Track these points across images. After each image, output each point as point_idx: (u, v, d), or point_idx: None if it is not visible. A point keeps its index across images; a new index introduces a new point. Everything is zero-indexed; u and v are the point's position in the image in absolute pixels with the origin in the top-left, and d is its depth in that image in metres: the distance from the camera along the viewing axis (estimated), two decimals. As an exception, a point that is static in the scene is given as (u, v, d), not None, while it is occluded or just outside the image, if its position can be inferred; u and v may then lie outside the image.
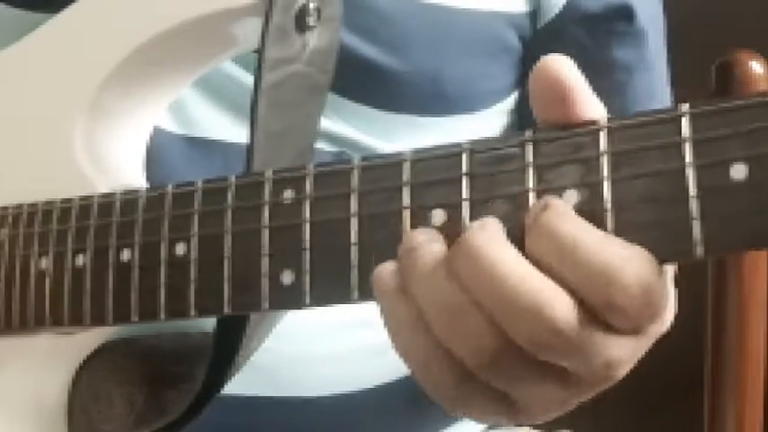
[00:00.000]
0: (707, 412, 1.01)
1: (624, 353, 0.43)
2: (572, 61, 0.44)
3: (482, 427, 0.83)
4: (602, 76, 0.77)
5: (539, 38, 0.76)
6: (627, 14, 0.77)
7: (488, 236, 0.43)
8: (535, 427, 0.85)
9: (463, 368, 0.44)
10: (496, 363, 0.43)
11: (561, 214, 0.42)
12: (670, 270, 0.45)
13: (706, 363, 1.01)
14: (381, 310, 0.46)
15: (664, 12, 0.83)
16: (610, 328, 0.42)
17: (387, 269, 0.45)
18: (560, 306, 0.41)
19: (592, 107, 0.43)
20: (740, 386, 1.01)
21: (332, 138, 0.72)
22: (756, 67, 0.97)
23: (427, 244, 0.44)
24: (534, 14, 0.75)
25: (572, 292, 0.41)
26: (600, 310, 0.41)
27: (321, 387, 0.71)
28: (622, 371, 0.44)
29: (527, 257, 0.42)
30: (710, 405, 1.01)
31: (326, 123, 0.70)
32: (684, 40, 0.85)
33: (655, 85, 0.81)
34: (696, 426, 1.02)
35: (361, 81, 0.71)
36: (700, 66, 0.84)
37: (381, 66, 0.71)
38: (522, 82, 0.78)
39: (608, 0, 0.76)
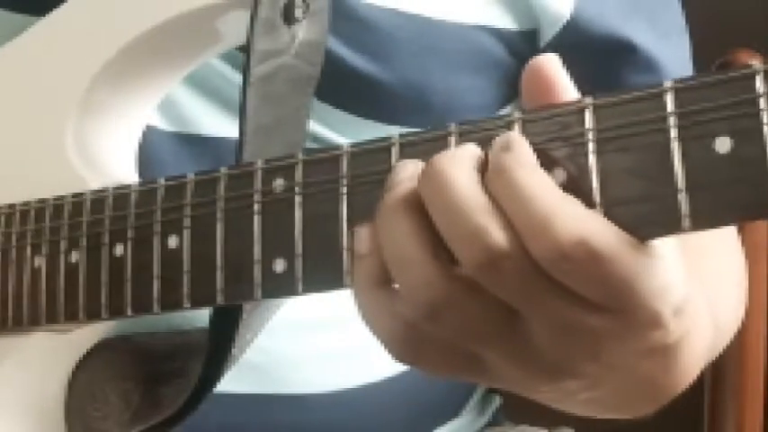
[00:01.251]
0: (707, 412, 1.01)
1: (596, 323, 0.42)
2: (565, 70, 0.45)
3: (481, 423, 0.83)
4: None
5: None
6: (627, 48, 0.76)
7: (455, 163, 0.43)
8: (536, 424, 0.85)
9: (407, 320, 0.44)
10: (440, 313, 0.43)
11: (521, 164, 0.42)
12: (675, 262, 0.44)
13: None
14: (353, 267, 0.46)
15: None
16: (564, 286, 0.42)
17: (364, 227, 0.46)
18: (499, 231, 0.42)
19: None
20: (740, 386, 1.00)
21: (320, 141, 0.72)
22: (757, 67, 0.96)
23: (408, 181, 0.45)
24: (531, 34, 0.75)
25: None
26: (543, 264, 0.41)
27: (315, 384, 0.71)
28: (610, 351, 0.43)
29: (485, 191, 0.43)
30: (710, 405, 1.01)
31: (315, 128, 0.70)
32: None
33: None
34: (696, 426, 1.01)
35: (347, 90, 0.71)
36: (700, 66, 0.84)
37: (367, 76, 0.71)
38: (519, 98, 0.78)
39: (608, 25, 0.75)
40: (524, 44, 0.75)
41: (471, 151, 0.44)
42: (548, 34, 0.75)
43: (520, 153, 0.43)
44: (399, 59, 0.72)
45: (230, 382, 0.62)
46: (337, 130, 0.72)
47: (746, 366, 1.01)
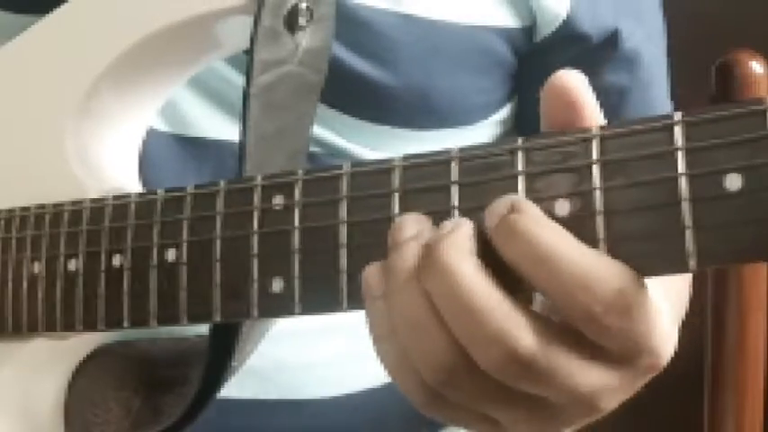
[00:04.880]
0: (707, 412, 1.01)
1: (606, 382, 0.42)
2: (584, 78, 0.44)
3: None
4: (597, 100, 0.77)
5: (535, 53, 0.75)
6: (614, 40, 0.76)
7: (460, 255, 0.41)
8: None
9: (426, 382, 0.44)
10: (455, 382, 0.43)
11: (538, 220, 0.41)
12: (669, 307, 0.44)
13: (706, 362, 1.00)
14: (366, 312, 0.46)
15: (664, 13, 0.82)
16: (585, 354, 0.41)
17: (374, 272, 0.45)
18: (525, 336, 0.40)
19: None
20: (740, 386, 1.00)
21: (324, 145, 0.71)
22: (756, 67, 0.96)
23: (412, 242, 0.43)
24: (530, 30, 0.75)
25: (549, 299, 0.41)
26: (577, 323, 0.41)
27: (319, 389, 0.71)
28: (609, 402, 0.44)
29: (501, 260, 0.41)
30: (710, 405, 1.01)
31: (319, 131, 0.70)
32: (684, 40, 0.84)
33: (653, 104, 0.80)
34: (696, 426, 1.01)
35: (350, 94, 0.71)
36: (700, 66, 0.84)
37: (371, 80, 0.70)
38: (516, 94, 0.78)
39: (599, 24, 0.76)
40: (524, 40, 0.75)
41: (468, 232, 0.42)
42: (544, 31, 0.75)
43: (532, 213, 0.41)
44: (403, 63, 0.71)
45: (232, 388, 0.62)
46: (341, 133, 0.72)
47: (746, 365, 1.01)
